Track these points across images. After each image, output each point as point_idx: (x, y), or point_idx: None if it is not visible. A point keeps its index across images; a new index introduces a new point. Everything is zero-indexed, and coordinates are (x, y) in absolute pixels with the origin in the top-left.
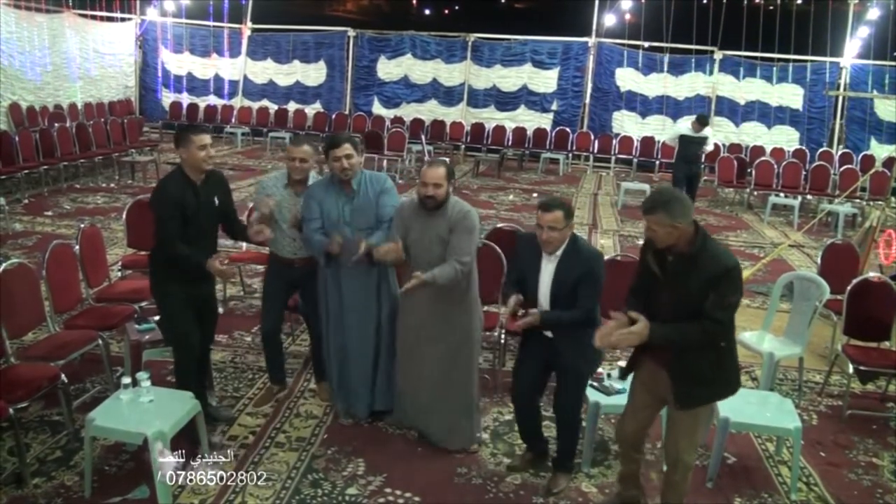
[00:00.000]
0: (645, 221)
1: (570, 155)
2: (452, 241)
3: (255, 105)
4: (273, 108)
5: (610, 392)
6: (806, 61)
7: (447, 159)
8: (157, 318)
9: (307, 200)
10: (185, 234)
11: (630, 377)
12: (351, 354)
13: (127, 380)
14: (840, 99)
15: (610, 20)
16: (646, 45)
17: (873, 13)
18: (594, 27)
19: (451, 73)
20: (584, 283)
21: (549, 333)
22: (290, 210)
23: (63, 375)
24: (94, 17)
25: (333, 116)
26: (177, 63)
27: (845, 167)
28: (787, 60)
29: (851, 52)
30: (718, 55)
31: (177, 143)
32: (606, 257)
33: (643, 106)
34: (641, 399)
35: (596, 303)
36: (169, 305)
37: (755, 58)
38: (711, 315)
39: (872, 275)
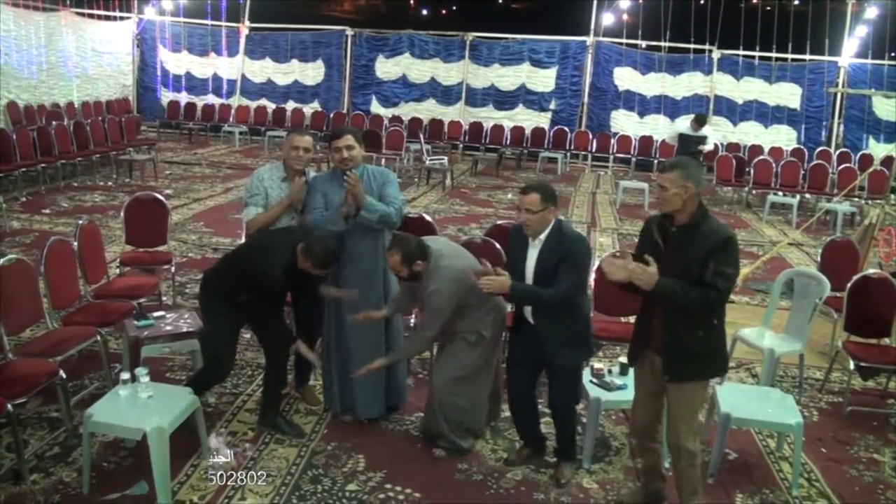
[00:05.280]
0: (658, 180)
1: (569, 154)
2: (423, 314)
3: (254, 104)
4: (271, 107)
5: (611, 388)
6: (804, 61)
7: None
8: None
9: (312, 191)
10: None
11: (632, 372)
12: (357, 351)
13: (126, 375)
14: (838, 98)
15: (608, 19)
16: (644, 44)
17: (871, 12)
18: (592, 26)
19: (449, 73)
20: (562, 264)
21: (530, 318)
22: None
23: (61, 371)
24: (91, 16)
25: (331, 115)
26: (175, 62)
27: (843, 166)
28: (786, 60)
29: (849, 51)
30: (716, 54)
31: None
32: (606, 253)
33: (641, 105)
34: (645, 389)
35: (578, 288)
36: (214, 323)
37: (753, 57)
38: (712, 283)
39: (873, 271)
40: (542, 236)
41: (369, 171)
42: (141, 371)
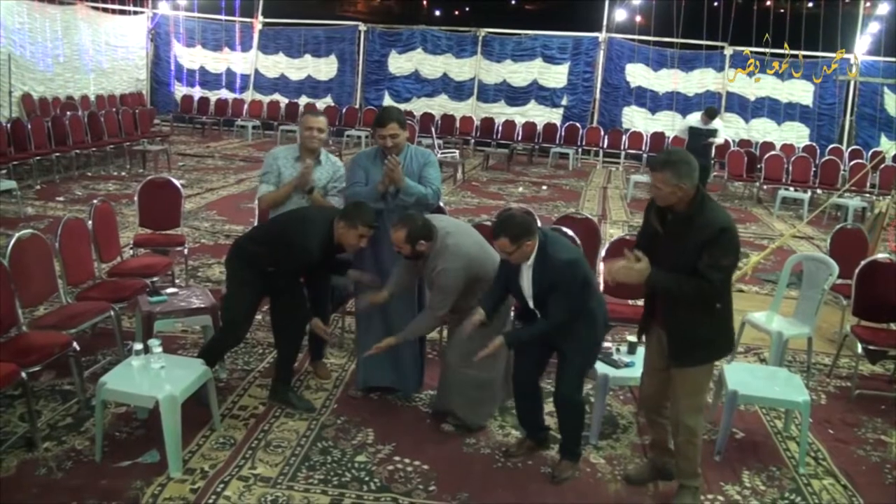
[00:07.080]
0: (651, 179)
1: (580, 150)
2: (430, 295)
3: (266, 99)
4: (284, 101)
5: (618, 365)
6: (816, 57)
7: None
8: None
9: (353, 167)
10: None
11: (640, 350)
12: (395, 327)
13: (139, 346)
14: (850, 96)
15: (620, 15)
16: (654, 42)
17: (883, 8)
18: (604, 22)
19: (461, 68)
20: (553, 294)
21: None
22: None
23: (75, 343)
24: (106, 10)
25: (344, 110)
26: (189, 57)
27: (855, 162)
28: (796, 56)
29: (862, 48)
30: (728, 51)
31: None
32: (615, 237)
33: (653, 101)
34: (653, 363)
35: (573, 311)
36: (238, 288)
37: (765, 54)
38: (705, 275)
39: (881, 256)
40: (530, 261)
41: (412, 151)
42: (154, 342)
